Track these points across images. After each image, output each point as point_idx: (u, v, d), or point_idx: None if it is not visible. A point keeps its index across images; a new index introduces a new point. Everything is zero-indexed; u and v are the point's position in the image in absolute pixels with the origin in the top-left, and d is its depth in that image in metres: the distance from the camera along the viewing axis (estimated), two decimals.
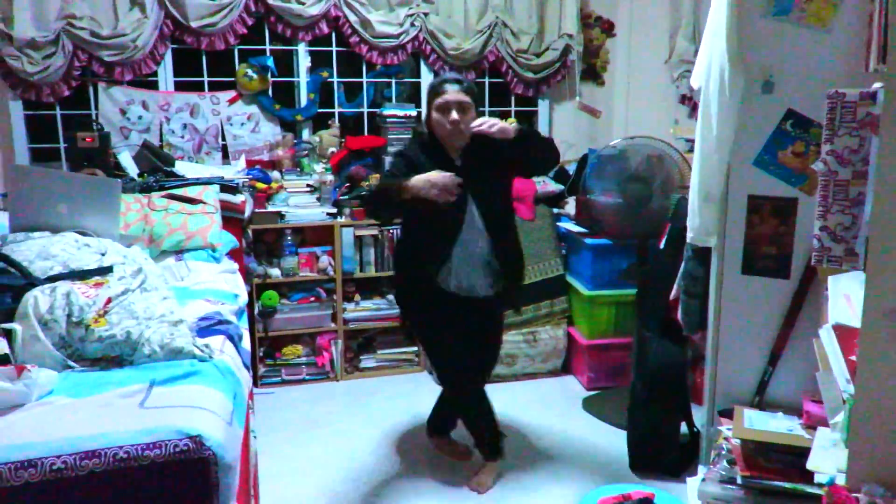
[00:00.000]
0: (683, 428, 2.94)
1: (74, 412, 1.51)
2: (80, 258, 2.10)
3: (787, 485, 1.70)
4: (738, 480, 1.76)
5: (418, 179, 2.45)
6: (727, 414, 2.05)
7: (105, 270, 2.05)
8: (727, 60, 1.89)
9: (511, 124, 2.53)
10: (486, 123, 2.44)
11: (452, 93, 2.54)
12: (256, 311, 3.73)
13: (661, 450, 2.89)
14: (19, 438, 1.39)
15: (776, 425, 1.89)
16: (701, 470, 2.04)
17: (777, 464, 1.76)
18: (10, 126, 3.65)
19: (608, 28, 4.42)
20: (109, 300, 1.85)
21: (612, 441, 3.19)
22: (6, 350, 1.63)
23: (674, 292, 2.81)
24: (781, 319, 2.03)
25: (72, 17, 3.50)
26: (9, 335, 1.71)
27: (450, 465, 3.00)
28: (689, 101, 4.10)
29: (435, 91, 2.60)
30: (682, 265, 2.65)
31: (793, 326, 2.01)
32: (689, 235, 2.18)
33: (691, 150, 3.56)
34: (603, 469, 2.97)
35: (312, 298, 3.87)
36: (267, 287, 3.77)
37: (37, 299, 1.77)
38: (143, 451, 1.41)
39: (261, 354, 3.81)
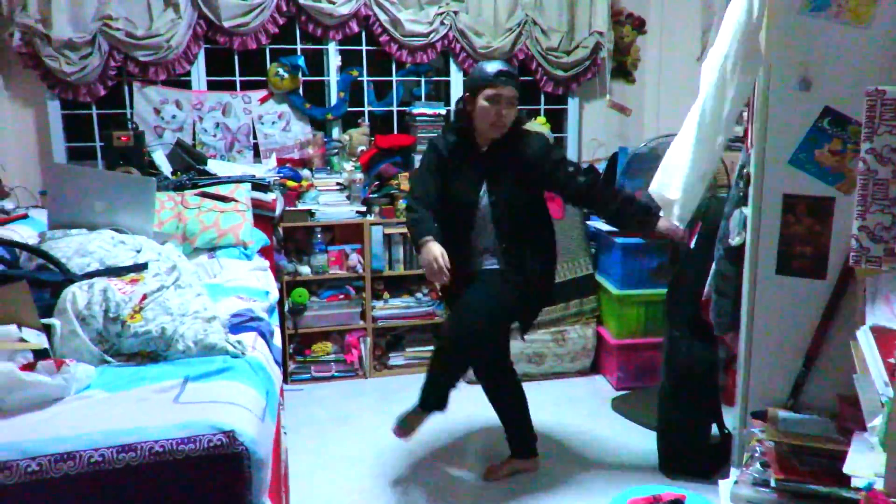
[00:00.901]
0: (714, 429, 2.91)
1: (111, 406, 1.54)
2: (116, 255, 2.15)
3: (823, 488, 1.67)
4: (772, 483, 1.73)
5: (428, 252, 2.47)
6: (760, 416, 2.02)
7: (140, 267, 2.09)
8: (733, 40, 1.91)
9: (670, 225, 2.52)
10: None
11: (507, 88, 2.55)
12: (286, 308, 3.76)
13: (692, 451, 2.85)
14: (59, 431, 1.42)
15: (811, 428, 1.86)
16: (733, 472, 2.01)
17: (812, 467, 1.73)
18: (48, 125, 3.72)
19: (639, 25, 4.38)
20: (145, 296, 1.88)
21: (642, 442, 3.16)
22: (46, 345, 1.67)
23: (705, 292, 2.78)
24: (817, 320, 2.00)
25: (108, 17, 3.56)
26: (48, 330, 1.74)
27: (479, 465, 3.00)
28: None
29: (488, 80, 2.55)
30: (714, 264, 2.62)
31: (829, 328, 1.97)
32: (676, 216, 2.23)
33: (729, 149, 3.54)
34: (632, 470, 2.95)
35: (342, 296, 3.90)
36: (297, 284, 3.80)
37: (75, 295, 1.81)
38: (177, 445, 1.43)
39: (290, 351, 3.85)
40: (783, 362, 2.07)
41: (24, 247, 2.07)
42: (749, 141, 2.24)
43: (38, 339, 1.65)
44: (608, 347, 3.79)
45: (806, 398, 2.04)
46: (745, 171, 2.28)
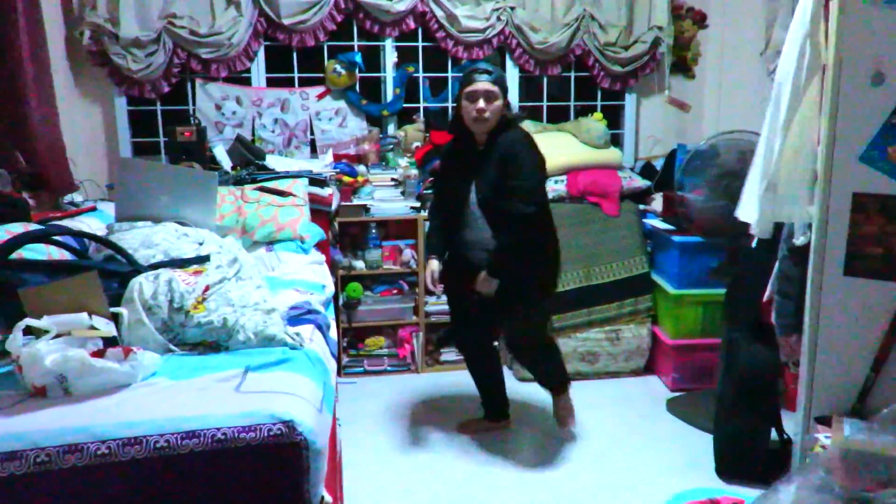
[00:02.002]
0: (773, 434, 2.84)
1: (175, 394, 1.58)
2: (180, 247, 2.20)
3: (890, 497, 1.61)
4: (836, 490, 1.68)
5: (427, 269, 2.96)
6: (825, 421, 1.96)
7: (203, 259, 2.14)
8: (808, 42, 1.82)
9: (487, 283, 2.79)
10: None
11: (481, 83, 2.70)
12: (341, 302, 3.81)
13: (750, 456, 2.79)
14: (126, 416, 1.47)
15: (879, 434, 1.79)
16: (795, 479, 1.95)
17: (879, 475, 1.67)
18: (115, 121, 3.85)
19: (700, 19, 4.28)
20: (207, 288, 1.92)
21: (698, 445, 3.10)
22: (114, 333, 1.72)
23: (767, 293, 2.71)
24: (887, 324, 1.92)
25: (172, 16, 3.66)
26: (116, 319, 1.80)
27: (529, 460, 2.99)
28: None
29: (465, 80, 2.75)
30: (776, 265, 2.55)
31: None
32: (755, 229, 2.13)
33: None
34: (688, 472, 2.90)
35: (395, 291, 3.93)
36: (351, 279, 3.85)
37: (142, 285, 1.87)
38: (239, 433, 1.46)
39: (344, 345, 3.89)
40: (849, 367, 2.00)
41: (94, 238, 2.14)
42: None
43: (107, 328, 1.70)
44: (664, 348, 3.73)
45: (873, 404, 1.97)
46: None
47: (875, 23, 1.84)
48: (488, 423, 3.24)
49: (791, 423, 2.74)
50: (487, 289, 2.78)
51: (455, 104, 2.84)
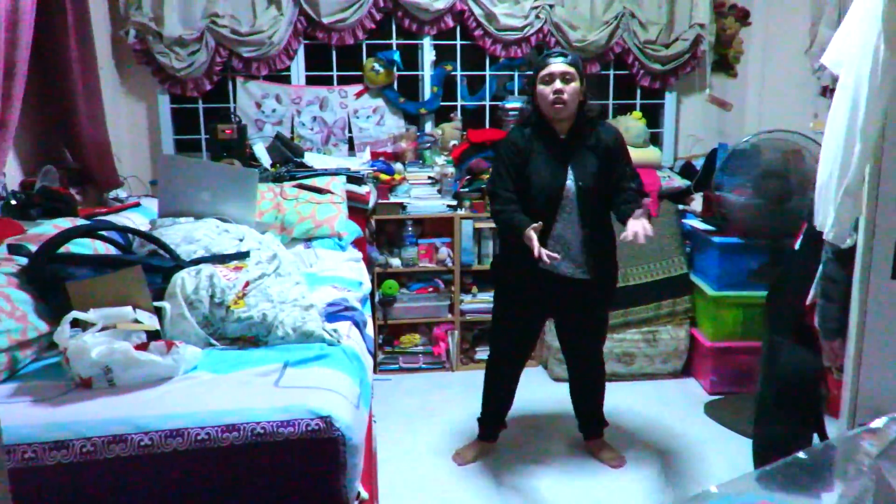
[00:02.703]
0: (815, 440, 2.78)
1: (216, 387, 1.60)
2: (221, 243, 2.24)
3: None
4: (883, 500, 1.64)
5: (529, 239, 2.47)
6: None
7: (243, 255, 2.17)
8: (883, 40, 1.74)
9: (640, 221, 2.48)
10: (638, 236, 2.43)
11: (556, 64, 2.59)
12: (377, 299, 3.83)
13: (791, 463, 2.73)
14: (169, 409, 1.50)
15: None
16: (837, 486, 1.91)
17: None
18: (159, 118, 3.93)
19: (743, 16, 4.21)
20: (248, 283, 1.95)
21: (737, 449, 3.06)
22: (157, 326, 1.76)
23: (811, 296, 2.65)
24: None
25: (215, 15, 3.71)
26: (158, 312, 1.84)
27: (565, 464, 2.98)
28: (831, 94, 3.83)
29: (540, 65, 2.64)
30: (820, 267, 2.50)
31: None
32: (830, 235, 2.03)
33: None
34: (727, 477, 2.85)
35: (431, 289, 3.94)
36: (387, 276, 3.87)
37: (184, 280, 1.90)
38: (277, 427, 1.48)
39: (380, 342, 3.92)
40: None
41: (138, 233, 2.18)
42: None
43: (150, 321, 1.74)
44: (702, 350, 3.68)
45: None
46: None
47: None
48: (485, 444, 3.06)
49: (834, 429, 2.70)
50: (643, 230, 2.45)
51: (530, 95, 2.69)
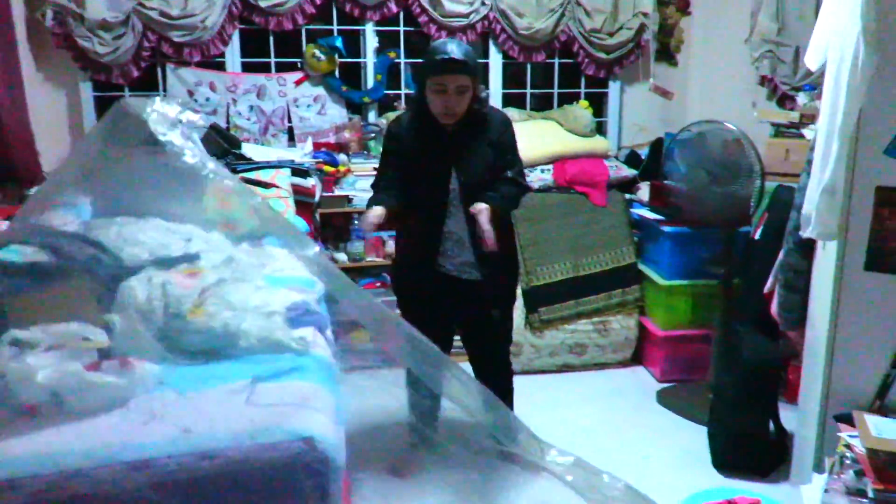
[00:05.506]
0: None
1: (182, 409, 1.46)
2: (167, 244, 2.07)
3: None
4: (870, 494, 1.64)
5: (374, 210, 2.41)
6: (845, 419, 1.92)
7: (192, 258, 2.01)
8: (863, 40, 1.74)
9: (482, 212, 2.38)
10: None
11: (451, 76, 2.32)
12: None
13: (749, 449, 2.77)
14: (131, 437, 1.36)
15: None
16: (816, 478, 1.92)
17: None
18: (81, 107, 3.65)
19: (684, 6, 4.24)
20: (205, 290, 1.80)
21: (692, 436, 3.06)
22: (108, 342, 1.59)
23: (768, 285, 2.68)
24: None
25: None
26: (107, 326, 1.66)
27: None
28: (770, 83, 3.91)
29: (432, 68, 2.34)
30: (782, 257, 2.52)
31: None
32: (812, 231, 2.03)
33: (776, 135, 3.42)
34: (685, 466, 2.86)
35: (379, 284, 3.81)
36: None
37: (134, 290, 1.73)
38: (256, 452, 1.36)
39: None
40: (868, 363, 1.98)
41: (76, 237, 1.98)
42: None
43: (100, 337, 1.57)
44: (653, 339, 3.69)
45: (893, 401, 1.95)
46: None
47: None
48: (421, 452, 2.78)
49: (792, 417, 2.74)
50: (486, 222, 2.36)
51: (417, 83, 2.46)
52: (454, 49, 2.32)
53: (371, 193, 2.62)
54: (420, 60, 2.64)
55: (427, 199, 2.50)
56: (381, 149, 3.80)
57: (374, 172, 3.76)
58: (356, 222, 3.72)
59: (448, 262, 2.54)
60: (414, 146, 2.50)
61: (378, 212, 2.40)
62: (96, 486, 1.27)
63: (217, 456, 1.33)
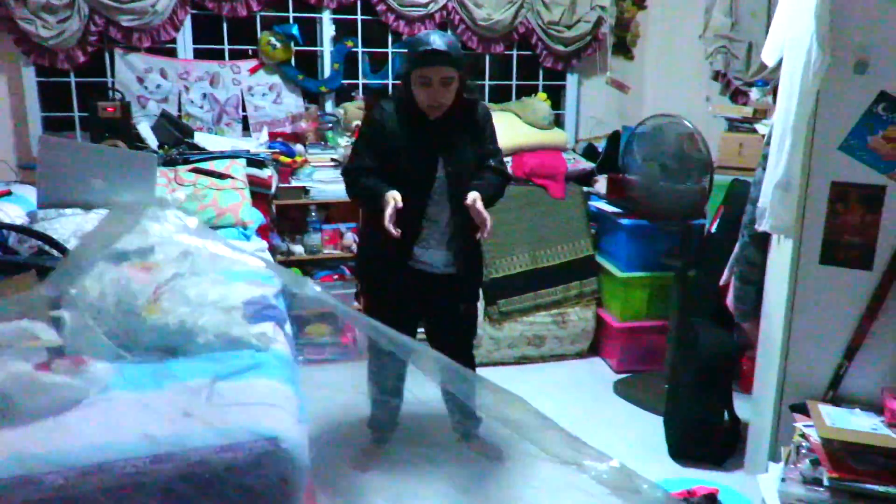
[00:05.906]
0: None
1: (139, 409, 1.40)
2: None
3: (881, 488, 1.62)
4: (825, 482, 1.68)
5: (386, 203, 2.30)
6: (800, 409, 1.97)
7: (146, 251, 1.93)
8: (815, 40, 1.77)
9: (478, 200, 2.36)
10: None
11: (436, 69, 2.28)
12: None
13: (705, 438, 2.82)
14: (86, 439, 1.29)
15: (858, 423, 1.82)
16: (772, 467, 1.96)
17: (867, 465, 1.69)
18: (24, 93, 3.49)
19: (640, 1, 4.27)
20: (160, 286, 1.73)
21: (648, 426, 3.11)
22: (59, 341, 1.52)
23: (724, 278, 2.73)
24: (860, 312, 1.95)
25: None
26: (56, 323, 1.59)
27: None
28: (723, 78, 3.98)
29: (418, 60, 2.30)
30: (737, 250, 2.56)
31: (874, 320, 1.93)
32: (767, 225, 2.07)
33: (730, 129, 3.48)
34: (642, 455, 2.90)
35: (336, 276, 3.76)
36: (290, 264, 3.65)
37: (85, 285, 1.66)
38: (217, 453, 1.31)
39: None
40: (822, 354, 2.02)
41: (22, 230, 1.90)
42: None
43: (50, 335, 1.50)
44: (610, 330, 3.73)
45: (845, 391, 2.00)
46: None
47: (859, 9, 1.83)
48: (383, 447, 2.80)
49: (746, 406, 2.80)
50: (484, 209, 2.35)
51: (403, 75, 2.42)
52: (437, 40, 2.28)
53: (342, 179, 2.54)
54: (404, 51, 2.57)
55: (411, 187, 2.40)
56: (338, 140, 3.78)
57: (332, 163, 3.74)
58: (313, 214, 3.67)
59: (424, 254, 2.49)
60: (399, 134, 2.43)
61: (398, 199, 2.29)
62: (48, 492, 1.21)
63: (178, 458, 1.28)
